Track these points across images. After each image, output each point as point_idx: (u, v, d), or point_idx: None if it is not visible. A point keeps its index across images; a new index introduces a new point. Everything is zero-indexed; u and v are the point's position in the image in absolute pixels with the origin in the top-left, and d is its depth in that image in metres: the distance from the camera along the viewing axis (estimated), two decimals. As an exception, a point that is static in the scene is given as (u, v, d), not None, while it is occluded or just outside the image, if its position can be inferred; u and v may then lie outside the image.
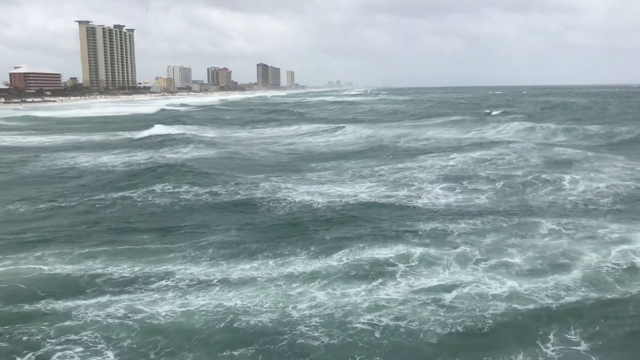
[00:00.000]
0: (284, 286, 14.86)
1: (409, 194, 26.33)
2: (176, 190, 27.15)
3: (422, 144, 47.73)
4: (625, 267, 15.86)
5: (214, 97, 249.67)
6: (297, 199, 25.07)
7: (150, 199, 25.70)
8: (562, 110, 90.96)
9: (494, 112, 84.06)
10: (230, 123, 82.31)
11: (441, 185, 27.93)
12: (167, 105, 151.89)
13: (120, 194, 26.64)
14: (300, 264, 16.54)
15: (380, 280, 15.21)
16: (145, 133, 57.50)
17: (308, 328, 12.65)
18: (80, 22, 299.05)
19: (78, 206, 24.67)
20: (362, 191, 26.99)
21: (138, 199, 25.65)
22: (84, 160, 39.42)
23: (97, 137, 59.69)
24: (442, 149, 42.15)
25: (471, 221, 20.89)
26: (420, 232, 19.55)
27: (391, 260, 16.59)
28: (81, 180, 31.27)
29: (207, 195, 26.18)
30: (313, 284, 15.07)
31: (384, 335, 12.43)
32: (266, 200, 24.91)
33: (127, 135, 59.85)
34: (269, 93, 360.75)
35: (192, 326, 12.79)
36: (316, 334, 12.40)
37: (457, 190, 26.87)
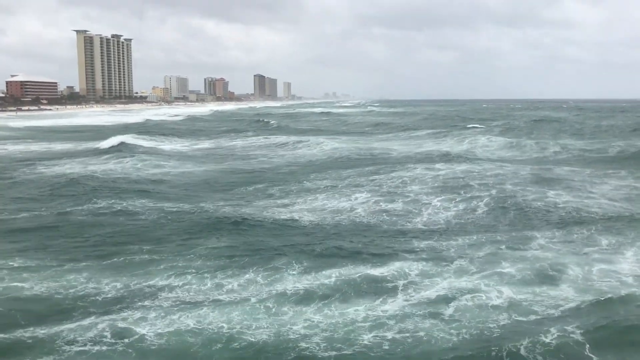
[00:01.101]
0: (279, 304, 14.42)
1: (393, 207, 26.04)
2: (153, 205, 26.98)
3: (388, 157, 47.75)
4: (613, 278, 16.23)
5: (205, 108, 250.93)
6: (274, 216, 24.80)
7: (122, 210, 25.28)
8: (556, 124, 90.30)
9: (482, 126, 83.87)
10: (213, 132, 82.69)
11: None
12: (155, 115, 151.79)
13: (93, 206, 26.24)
14: (295, 282, 16.06)
15: (381, 296, 14.97)
16: (105, 144, 56.44)
17: (311, 344, 12.31)
18: (77, 32, 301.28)
19: (49, 218, 24.19)
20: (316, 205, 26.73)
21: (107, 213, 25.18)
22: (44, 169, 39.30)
23: (61, 146, 59.79)
24: (403, 162, 42.08)
25: (466, 236, 20.69)
26: (409, 245, 19.40)
27: (388, 278, 16.37)
28: (36, 190, 30.97)
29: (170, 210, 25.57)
30: (310, 301, 14.65)
31: (392, 346, 12.28)
32: (230, 216, 24.23)
33: (90, 145, 59.22)
34: (263, 104, 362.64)
35: (187, 348, 12.24)
36: (320, 349, 12.10)
37: (437, 205, 26.55)
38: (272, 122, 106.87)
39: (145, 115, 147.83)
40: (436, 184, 31.60)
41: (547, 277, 16.32)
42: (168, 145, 62.06)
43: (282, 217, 24.36)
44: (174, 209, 25.67)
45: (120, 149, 50.86)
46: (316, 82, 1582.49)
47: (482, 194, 28.33)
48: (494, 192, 28.86)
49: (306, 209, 26.20)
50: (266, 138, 69.60)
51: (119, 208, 25.81)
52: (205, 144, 63.85)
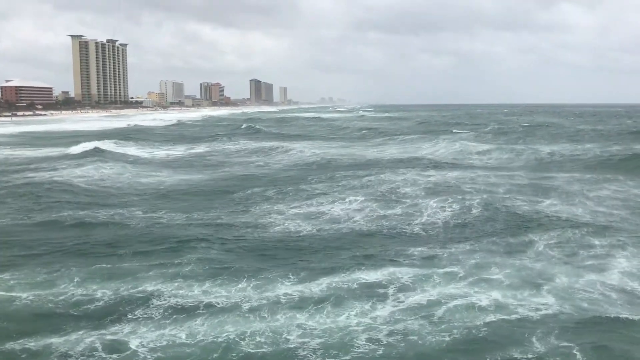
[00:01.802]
0: (273, 312, 14.46)
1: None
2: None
3: (357, 163, 47.32)
4: (597, 291, 16.21)
5: (198, 113, 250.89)
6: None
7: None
8: (551, 129, 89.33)
9: (473, 132, 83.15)
10: (201, 137, 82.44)
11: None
12: (144, 120, 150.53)
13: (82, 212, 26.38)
14: (289, 289, 16.09)
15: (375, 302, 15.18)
16: (76, 149, 56.36)
17: (307, 352, 12.43)
18: (73, 37, 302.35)
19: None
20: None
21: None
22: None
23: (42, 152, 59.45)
24: (392, 167, 42.22)
25: (459, 244, 20.80)
26: (402, 251, 19.48)
27: (383, 282, 16.52)
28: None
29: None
30: (306, 306, 14.77)
31: (387, 350, 12.55)
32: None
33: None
34: (258, 109, 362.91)
35: (184, 360, 12.24)
36: (317, 357, 12.26)
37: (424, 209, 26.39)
38: (258, 126, 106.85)
39: (136, 120, 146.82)
40: (426, 190, 31.45)
41: (534, 285, 16.42)
42: (144, 150, 61.35)
43: (268, 224, 24.35)
44: (148, 217, 25.68)
45: (94, 155, 50.63)
46: (313, 86, 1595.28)
47: (473, 201, 28.01)
48: (485, 197, 28.80)
49: (295, 214, 26.32)
50: (257, 142, 69.37)
51: (100, 215, 25.90)
52: (185, 150, 63.38)
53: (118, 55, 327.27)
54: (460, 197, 29.05)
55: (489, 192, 30.98)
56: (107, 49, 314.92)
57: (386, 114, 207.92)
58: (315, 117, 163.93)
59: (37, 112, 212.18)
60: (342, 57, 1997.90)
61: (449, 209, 26.75)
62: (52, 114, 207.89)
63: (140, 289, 16.11)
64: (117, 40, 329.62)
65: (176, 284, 16.49)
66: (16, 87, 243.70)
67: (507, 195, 30.01)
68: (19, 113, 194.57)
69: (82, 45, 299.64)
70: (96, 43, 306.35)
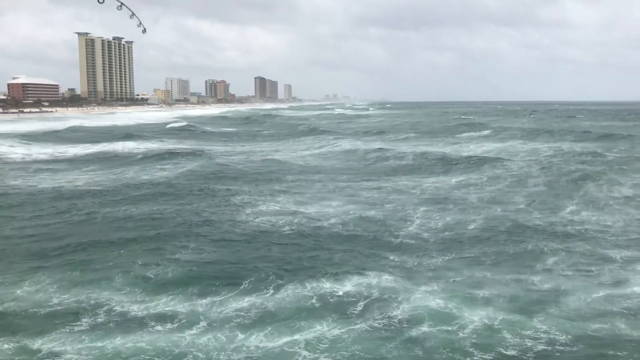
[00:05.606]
0: (224, 329, 13.37)
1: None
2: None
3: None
4: (614, 306, 14.61)
5: (172, 112, 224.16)
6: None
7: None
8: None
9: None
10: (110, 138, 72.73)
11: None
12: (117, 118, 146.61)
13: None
14: (243, 303, 14.86)
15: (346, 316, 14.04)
16: None
17: None
18: (79, 34, 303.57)
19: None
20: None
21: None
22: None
23: None
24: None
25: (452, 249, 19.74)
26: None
27: (353, 296, 15.23)
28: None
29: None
30: (262, 326, 13.53)
31: None
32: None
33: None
34: (257, 106, 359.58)
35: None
36: None
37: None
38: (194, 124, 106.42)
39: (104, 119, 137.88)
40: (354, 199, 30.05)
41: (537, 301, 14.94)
42: (24, 150, 59.51)
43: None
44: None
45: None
46: (317, 83, 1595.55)
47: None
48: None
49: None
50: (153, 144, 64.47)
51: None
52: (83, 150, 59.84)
53: (124, 53, 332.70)
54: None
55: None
56: (112, 47, 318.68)
57: (370, 112, 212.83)
58: (293, 116, 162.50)
59: (43, 109, 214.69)
60: (344, 54, 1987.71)
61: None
62: (56, 110, 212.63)
63: (81, 299, 15.28)
64: (122, 38, 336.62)
65: (123, 297, 15.54)
66: (23, 84, 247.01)
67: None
68: (25, 110, 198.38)
69: (88, 43, 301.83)
70: (102, 40, 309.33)
